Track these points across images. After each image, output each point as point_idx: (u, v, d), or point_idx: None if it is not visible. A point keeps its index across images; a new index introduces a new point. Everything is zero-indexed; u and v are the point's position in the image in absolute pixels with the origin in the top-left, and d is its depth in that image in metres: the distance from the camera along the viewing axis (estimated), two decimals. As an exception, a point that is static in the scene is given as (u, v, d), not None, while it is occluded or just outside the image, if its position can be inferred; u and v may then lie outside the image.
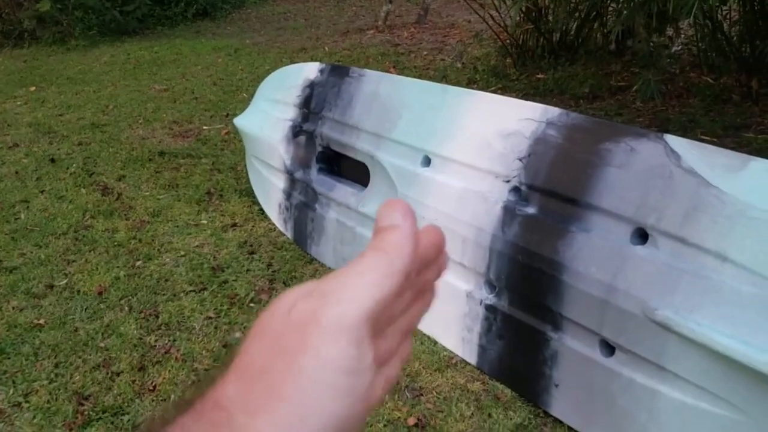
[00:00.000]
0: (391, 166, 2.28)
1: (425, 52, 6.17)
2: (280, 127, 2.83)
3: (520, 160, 1.89)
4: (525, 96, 4.67)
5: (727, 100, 4.15)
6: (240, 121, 3.16)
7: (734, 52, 4.09)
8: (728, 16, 4.15)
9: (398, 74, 5.47)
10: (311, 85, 2.73)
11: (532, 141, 1.87)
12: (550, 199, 1.81)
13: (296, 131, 2.76)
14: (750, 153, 4.08)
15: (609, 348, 1.65)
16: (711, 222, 1.47)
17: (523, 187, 1.88)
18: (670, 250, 1.53)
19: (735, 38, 4.08)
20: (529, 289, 1.83)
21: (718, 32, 4.01)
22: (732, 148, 3.88)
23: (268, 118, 2.94)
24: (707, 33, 4.07)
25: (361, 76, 2.53)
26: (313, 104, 2.69)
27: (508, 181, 1.91)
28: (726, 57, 4.14)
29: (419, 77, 5.35)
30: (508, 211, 1.89)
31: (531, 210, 1.85)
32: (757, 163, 1.48)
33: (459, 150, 2.07)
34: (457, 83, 5.06)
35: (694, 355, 1.46)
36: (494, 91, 4.78)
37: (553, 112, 1.86)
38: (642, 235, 1.59)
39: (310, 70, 2.77)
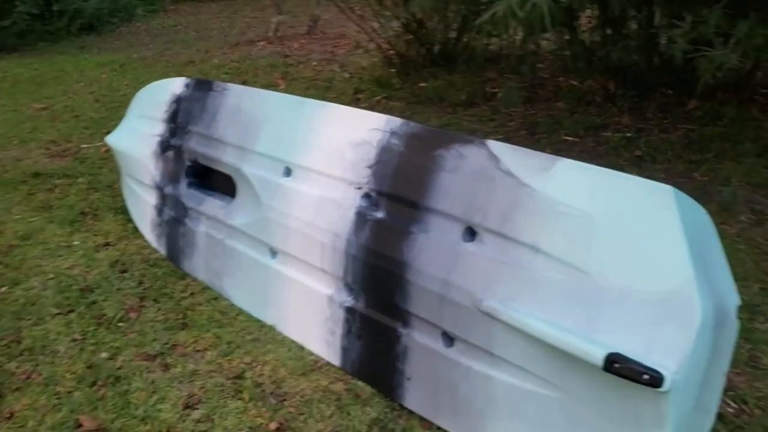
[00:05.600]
0: (255, 178, 2.33)
1: (314, 63, 6.24)
2: (149, 143, 2.82)
3: (369, 167, 1.99)
4: (408, 105, 4.83)
5: (591, 102, 4.47)
6: (112, 139, 3.12)
7: (593, 58, 4.42)
8: (587, 24, 4.47)
9: (287, 85, 5.52)
10: (178, 100, 2.73)
11: (378, 149, 1.98)
12: (395, 204, 1.92)
13: (164, 146, 2.75)
14: (607, 150, 4.35)
15: (449, 339, 1.77)
16: (526, 218, 1.62)
17: (372, 193, 1.98)
18: (494, 245, 1.67)
19: (592, 44, 4.39)
20: (380, 289, 1.93)
21: (576, 40, 4.31)
22: (592, 147, 4.17)
23: (138, 134, 2.91)
24: (567, 41, 4.38)
25: (225, 90, 2.56)
26: (179, 119, 2.69)
27: (359, 188, 2.01)
28: (589, 62, 4.46)
29: (307, 88, 5.42)
30: (360, 217, 1.99)
31: (380, 214, 1.95)
32: (563, 163, 1.64)
33: (316, 160, 2.15)
34: (344, 93, 5.16)
35: (516, 340, 1.60)
36: (379, 101, 4.92)
37: (395, 122, 1.98)
38: (471, 233, 1.73)
39: (177, 84, 2.78)
